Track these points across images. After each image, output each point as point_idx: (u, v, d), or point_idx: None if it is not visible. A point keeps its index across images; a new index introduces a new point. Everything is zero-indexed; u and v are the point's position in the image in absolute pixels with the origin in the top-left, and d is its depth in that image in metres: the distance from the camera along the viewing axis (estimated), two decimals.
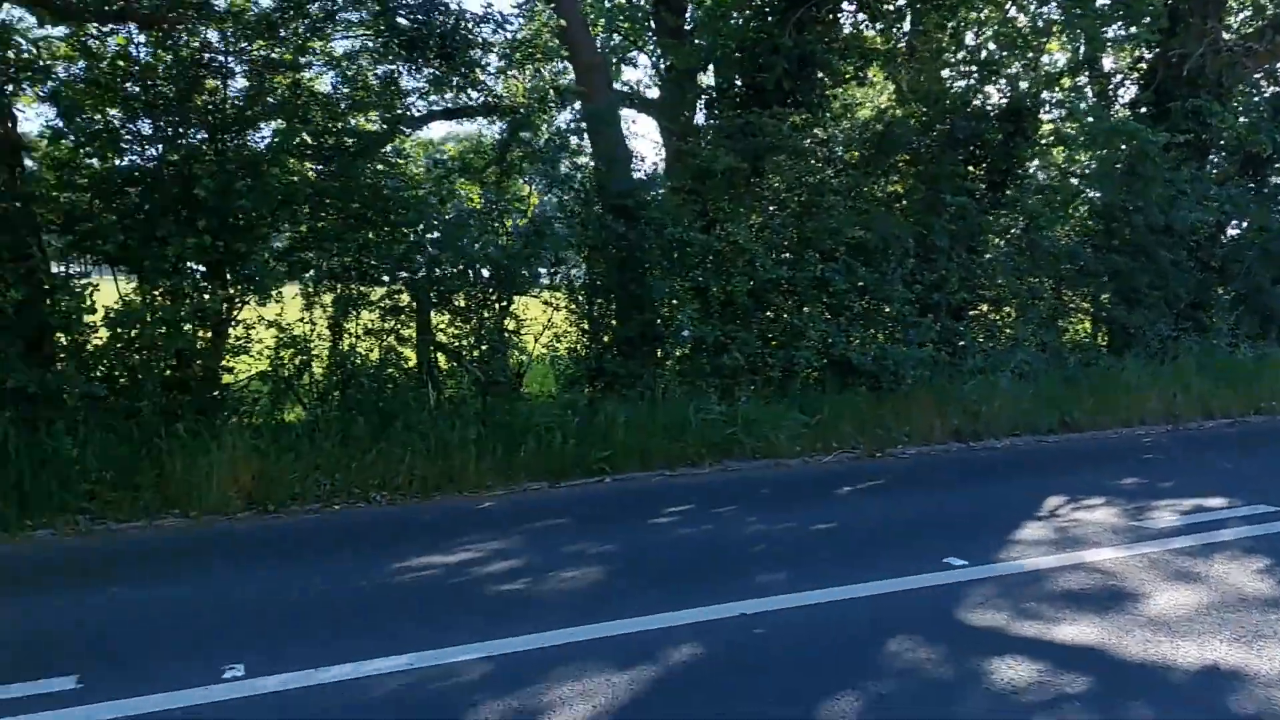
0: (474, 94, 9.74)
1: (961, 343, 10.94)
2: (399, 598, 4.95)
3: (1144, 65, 13.46)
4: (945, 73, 12.44)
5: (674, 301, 9.61)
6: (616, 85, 12.60)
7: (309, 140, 8.55)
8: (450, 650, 4.14)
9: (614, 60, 13.75)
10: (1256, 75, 14.27)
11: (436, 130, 11.74)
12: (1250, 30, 13.90)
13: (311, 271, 8.64)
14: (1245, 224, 13.43)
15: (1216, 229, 12.97)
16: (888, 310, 10.50)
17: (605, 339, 9.80)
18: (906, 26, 12.65)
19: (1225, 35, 13.40)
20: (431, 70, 8.89)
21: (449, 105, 10.44)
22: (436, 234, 8.96)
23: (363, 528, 6.50)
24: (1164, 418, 10.88)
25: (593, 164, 10.44)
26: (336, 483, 7.16)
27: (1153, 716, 3.45)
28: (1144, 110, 12.97)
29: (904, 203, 11.53)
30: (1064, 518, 6.38)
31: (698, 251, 9.66)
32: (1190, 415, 11.07)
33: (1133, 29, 11.54)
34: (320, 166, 8.72)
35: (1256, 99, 14.30)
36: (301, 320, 8.56)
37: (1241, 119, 12.99)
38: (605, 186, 9.80)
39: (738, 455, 8.57)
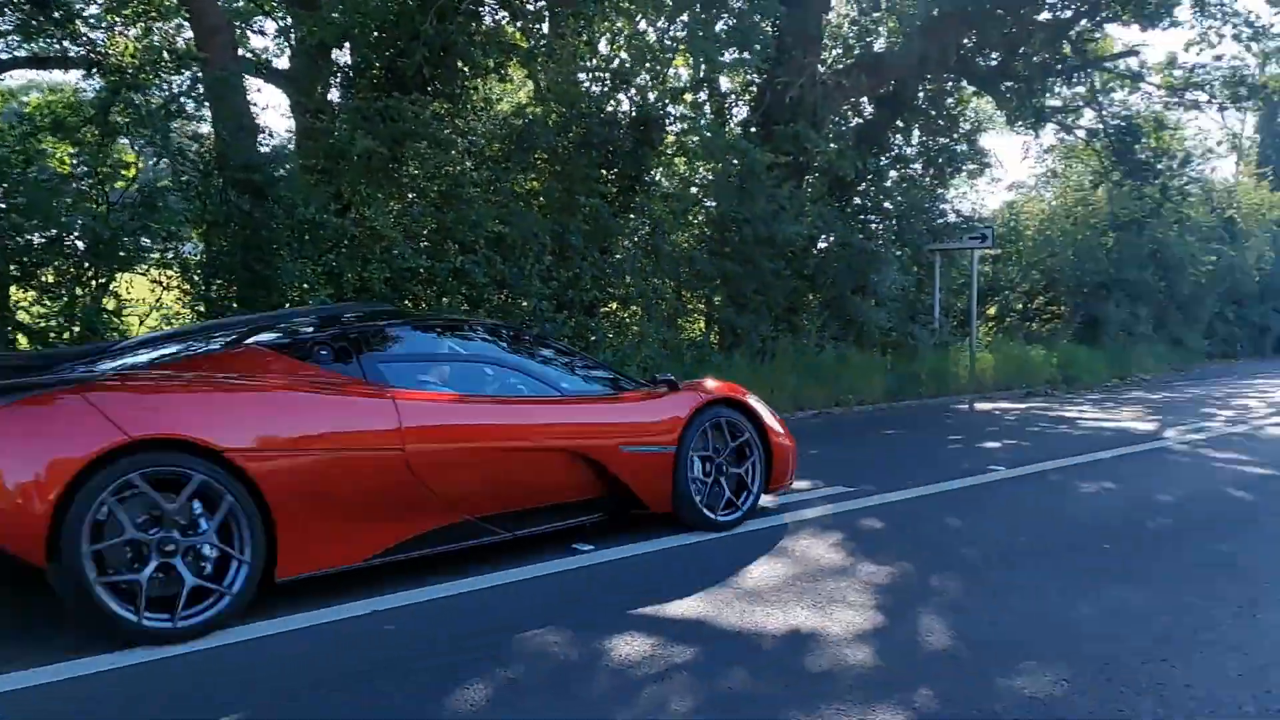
0: (72, 45, 8.61)
1: (594, 338, 11.48)
2: None
3: (754, 89, 14.91)
4: (583, 77, 12.96)
5: (305, 286, 9.15)
6: (242, 52, 11.72)
7: None
8: None
9: (239, 25, 12.79)
10: (844, 108, 16.34)
11: (18, 79, 10.15)
12: (840, 68, 15.87)
13: None
14: (832, 239, 15.33)
15: (809, 242, 14.69)
16: (525, 305, 10.75)
17: None
18: (546, 27, 13.01)
19: (821, 69, 15.20)
20: (20, 15, 7.74)
21: (35, 52, 9.16)
22: (20, 198, 7.83)
23: None
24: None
25: (213, 133, 9.66)
26: None
27: (746, 677, 3.83)
28: (753, 130, 14.36)
29: (542, 200, 11.86)
30: None
31: (331, 235, 9.28)
32: (785, 408, 12.43)
33: (745, 55, 12.72)
34: None
35: (844, 129, 16.38)
36: None
37: (832, 145, 14.81)
38: (227, 158, 9.10)
39: None
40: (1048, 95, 18.42)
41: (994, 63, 16.61)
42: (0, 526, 3.47)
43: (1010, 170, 78.94)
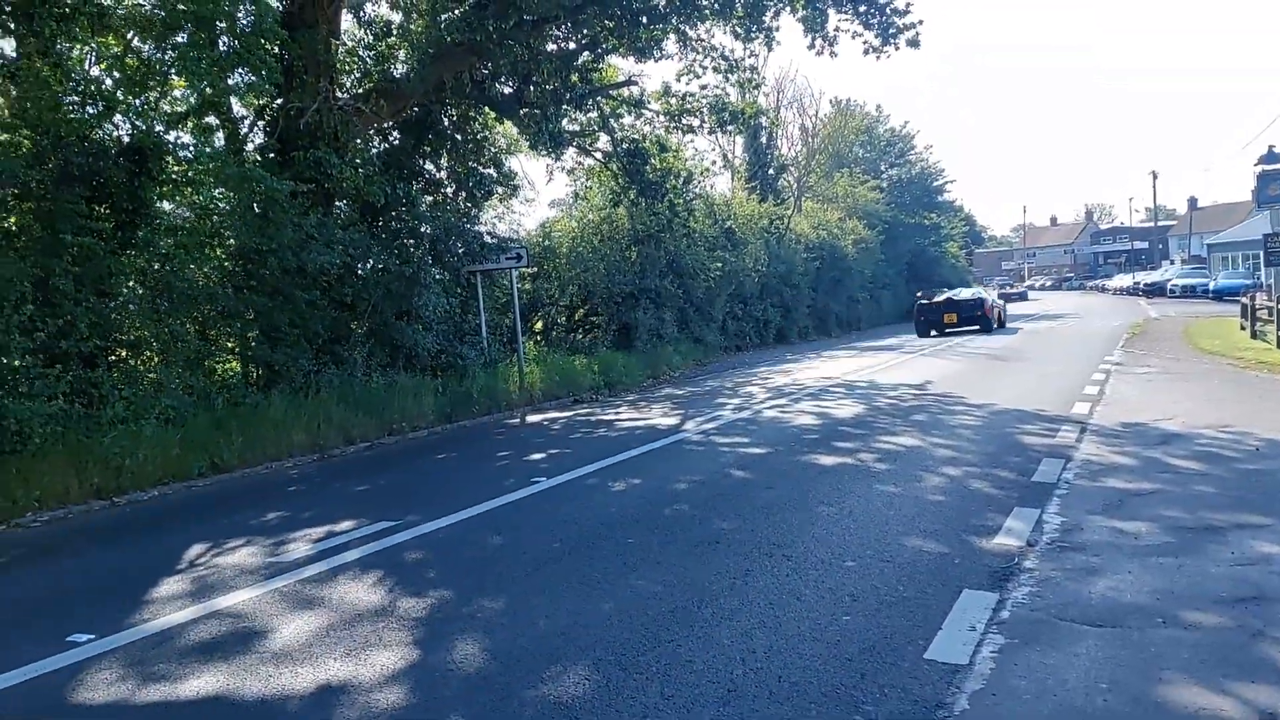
0: None
1: (101, 392, 10.17)
2: None
3: (270, 114, 14.15)
4: (64, 100, 11.43)
5: None
6: None
7: None
8: None
9: None
10: (369, 132, 16.09)
11: None
12: (360, 92, 15.59)
13: None
14: (370, 265, 15.02)
15: (346, 270, 14.23)
16: (5, 362, 9.23)
17: None
18: (10, 46, 11.30)
19: (339, 94, 14.82)
20: None
21: None
22: None
23: None
24: (310, 449, 11.56)
25: None
26: None
27: None
28: (272, 157, 13.64)
29: (22, 242, 10.28)
30: (203, 566, 6.31)
31: None
32: (334, 443, 11.96)
33: (252, 78, 12.02)
34: None
35: (371, 153, 16.14)
36: None
37: (359, 171, 14.51)
38: None
39: None
40: (564, 120, 19.60)
41: (509, 90, 17.33)
42: (998, 317, 30.98)
43: (547, 190, 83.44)
